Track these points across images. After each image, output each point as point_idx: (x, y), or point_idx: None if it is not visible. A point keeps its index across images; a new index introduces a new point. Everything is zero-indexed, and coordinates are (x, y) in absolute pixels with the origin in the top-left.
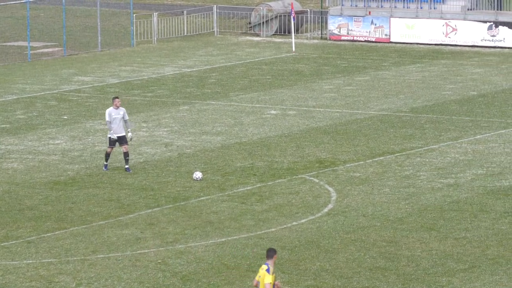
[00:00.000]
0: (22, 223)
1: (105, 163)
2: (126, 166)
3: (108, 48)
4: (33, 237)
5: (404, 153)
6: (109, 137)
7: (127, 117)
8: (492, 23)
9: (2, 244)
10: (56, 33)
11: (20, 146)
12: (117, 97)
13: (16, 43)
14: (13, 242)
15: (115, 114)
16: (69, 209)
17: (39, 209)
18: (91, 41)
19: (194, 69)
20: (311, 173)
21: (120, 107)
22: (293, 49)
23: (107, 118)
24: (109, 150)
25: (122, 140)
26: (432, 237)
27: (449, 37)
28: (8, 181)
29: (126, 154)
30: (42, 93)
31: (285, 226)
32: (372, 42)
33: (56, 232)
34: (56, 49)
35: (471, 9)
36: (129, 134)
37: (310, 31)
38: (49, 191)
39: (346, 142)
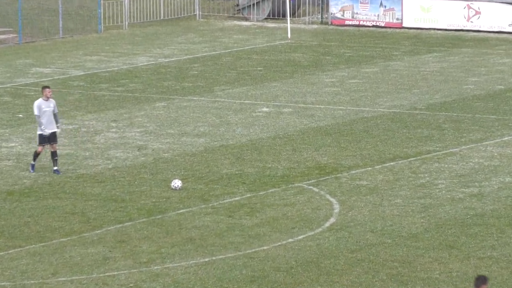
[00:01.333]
0: None
1: (32, 162)
2: (55, 168)
3: (71, 34)
4: None
5: (419, 157)
6: (40, 134)
7: (57, 110)
8: None
9: None
10: (10, 17)
11: None
12: (47, 87)
13: None
14: None
15: (45, 106)
16: (25, 224)
17: None
18: (51, 27)
19: (173, 59)
20: (310, 181)
21: (50, 99)
22: (289, 35)
23: (36, 112)
24: (39, 149)
25: (51, 137)
26: (453, 256)
27: (472, 22)
28: None
29: (54, 154)
30: None
31: (279, 243)
32: (382, 27)
33: (10, 251)
34: (10, 35)
35: None
36: (59, 129)
37: (309, 14)
38: (2, 203)
39: (351, 144)
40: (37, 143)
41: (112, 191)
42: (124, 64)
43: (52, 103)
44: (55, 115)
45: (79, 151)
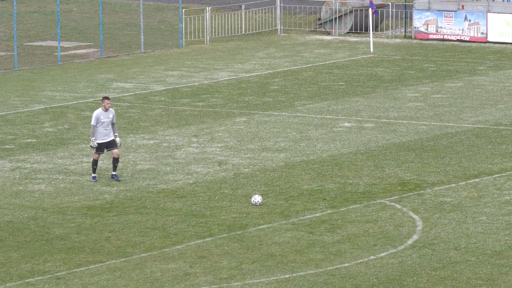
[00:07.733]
0: (51, 255)
1: (93, 174)
2: (113, 173)
3: (152, 49)
4: (63, 272)
5: (504, 174)
6: (90, 146)
7: (115, 120)
8: None
9: (27, 280)
10: (91, 31)
11: (48, 164)
12: (107, 98)
13: (44, 43)
14: (40, 278)
15: (104, 117)
16: (106, 239)
17: (70, 239)
18: (133, 41)
19: (253, 74)
20: (392, 198)
21: (110, 109)
22: (371, 50)
23: (93, 122)
24: (96, 156)
25: (111, 144)
26: None
27: None
28: (35, 206)
29: (116, 160)
30: (75, 102)
31: (361, 260)
32: (466, 41)
33: (91, 266)
34: (91, 50)
35: None
36: (118, 139)
37: (392, 28)
38: (83, 218)
39: (435, 160)
40: (93, 151)
41: (193, 206)
42: (205, 79)
43: (111, 113)
44: (113, 125)
45: (160, 166)
